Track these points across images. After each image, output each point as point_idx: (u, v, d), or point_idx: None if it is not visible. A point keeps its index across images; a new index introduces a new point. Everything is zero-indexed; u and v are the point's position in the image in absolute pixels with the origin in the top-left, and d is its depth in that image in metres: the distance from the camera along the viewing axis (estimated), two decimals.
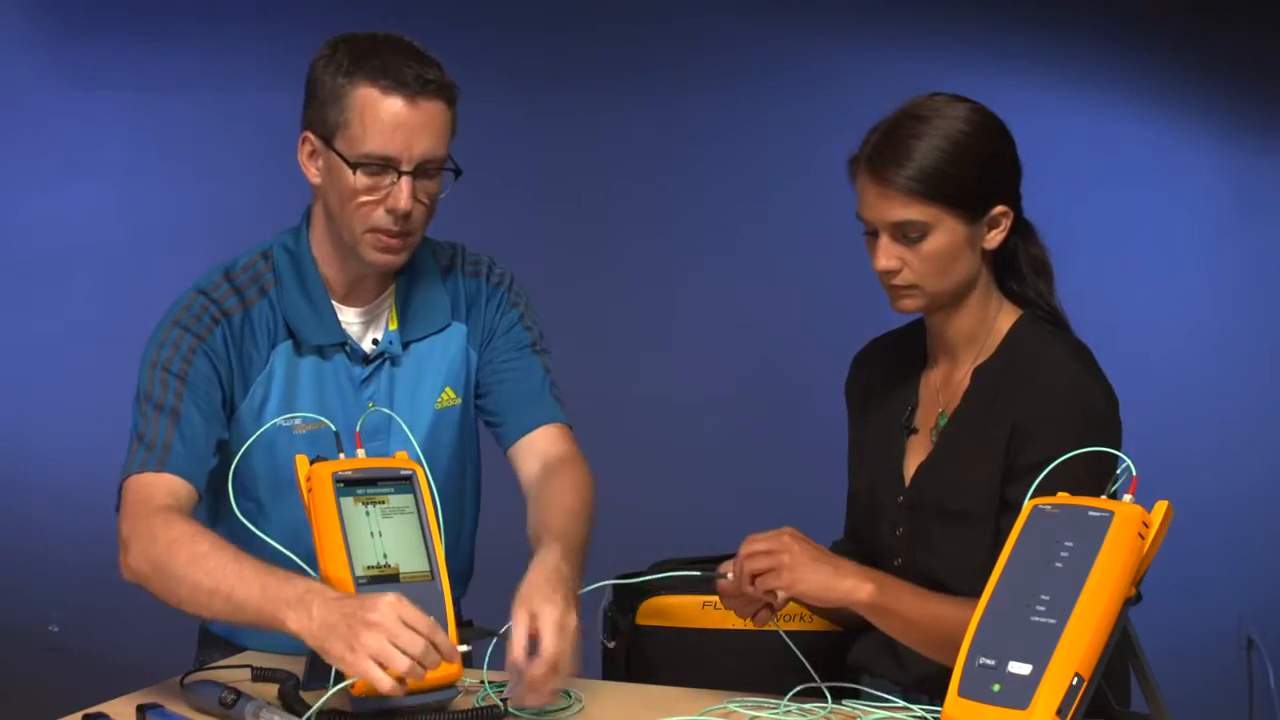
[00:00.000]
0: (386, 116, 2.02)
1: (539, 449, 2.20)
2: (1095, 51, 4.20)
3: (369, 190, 2.04)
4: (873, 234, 2.06)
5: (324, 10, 4.34)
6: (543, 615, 1.84)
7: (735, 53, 4.32)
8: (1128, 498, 1.68)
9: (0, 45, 4.63)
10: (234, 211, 4.35)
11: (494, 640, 1.96)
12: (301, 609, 1.79)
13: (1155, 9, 4.16)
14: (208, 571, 1.87)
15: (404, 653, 1.73)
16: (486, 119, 4.17)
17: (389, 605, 1.75)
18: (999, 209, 2.06)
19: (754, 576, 1.97)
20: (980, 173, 2.04)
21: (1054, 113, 4.09)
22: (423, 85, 2.03)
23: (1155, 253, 4.21)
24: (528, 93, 4.32)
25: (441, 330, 2.21)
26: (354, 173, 2.03)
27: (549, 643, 1.83)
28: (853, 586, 1.96)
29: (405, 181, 2.03)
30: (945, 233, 2.02)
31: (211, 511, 2.15)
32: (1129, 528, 1.63)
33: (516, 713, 1.91)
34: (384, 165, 2.03)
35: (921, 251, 2.03)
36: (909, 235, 2.02)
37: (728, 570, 2.02)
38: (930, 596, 2.00)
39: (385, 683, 1.73)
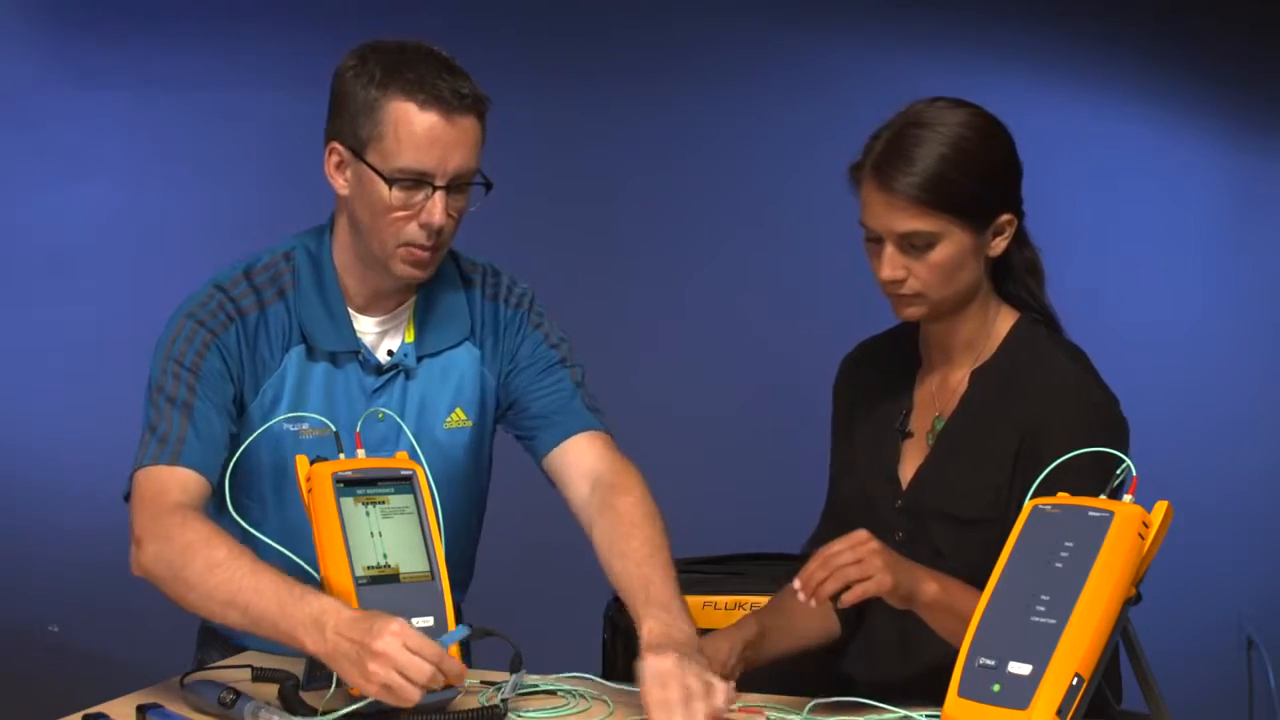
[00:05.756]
0: (422, 131, 2.00)
1: (585, 466, 2.16)
2: (1095, 52, 4.20)
3: (403, 205, 2.02)
4: (875, 241, 2.05)
5: (324, 10, 4.34)
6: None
7: (735, 53, 4.32)
8: (1128, 498, 1.68)
9: None
10: (233, 211, 4.36)
11: (514, 653, 1.95)
12: (316, 630, 1.79)
13: (1156, 9, 4.16)
14: (222, 581, 1.86)
15: (411, 681, 1.75)
16: (485, 119, 4.18)
17: (393, 635, 1.75)
18: (1004, 217, 2.05)
19: (846, 586, 1.92)
20: (986, 181, 2.02)
21: (1054, 112, 4.09)
22: (459, 100, 2.01)
23: (1155, 253, 4.21)
24: (526, 93, 4.31)
25: (456, 346, 2.19)
26: (389, 188, 2.02)
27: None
28: (924, 588, 1.95)
29: (439, 196, 2.02)
30: (952, 243, 2.01)
31: (214, 511, 2.14)
32: (1129, 528, 1.63)
33: (516, 714, 1.92)
34: (418, 180, 2.02)
35: (928, 261, 2.01)
36: (915, 245, 2.01)
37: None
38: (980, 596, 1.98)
39: (400, 704, 1.76)
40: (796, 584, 1.94)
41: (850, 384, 2.28)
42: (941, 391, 2.14)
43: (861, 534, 1.94)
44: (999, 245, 2.06)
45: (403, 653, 1.75)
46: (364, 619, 1.79)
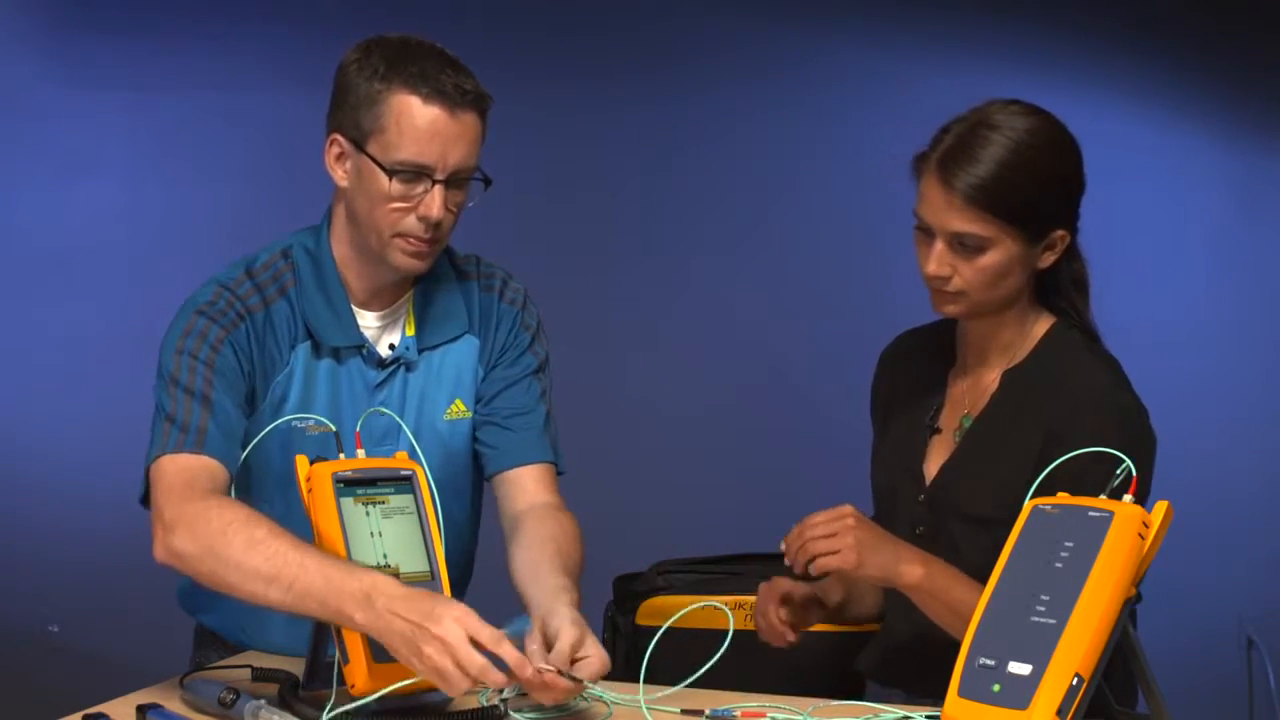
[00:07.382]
0: (424, 125, 2.02)
1: (527, 489, 2.19)
2: (1095, 51, 4.20)
3: (402, 197, 2.04)
4: (925, 231, 2.04)
5: (324, 10, 4.34)
6: (593, 655, 1.88)
7: (735, 53, 4.32)
8: (1128, 498, 1.68)
9: None
10: (233, 211, 4.36)
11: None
12: (368, 605, 1.78)
13: (1156, 9, 4.16)
14: (266, 558, 1.85)
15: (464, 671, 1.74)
16: (487, 116, 4.18)
17: (455, 621, 1.74)
18: (1058, 233, 2.05)
19: (812, 558, 1.96)
20: (1045, 193, 2.02)
21: (1054, 112, 4.08)
22: (462, 96, 2.03)
23: (1154, 253, 4.21)
24: (525, 92, 4.30)
25: (456, 339, 2.21)
26: (389, 179, 2.03)
27: (592, 669, 1.87)
28: (905, 570, 1.96)
29: (438, 190, 2.04)
30: (1002, 250, 2.01)
31: None
32: (1129, 528, 1.63)
33: (517, 715, 1.92)
34: (418, 173, 2.03)
35: (976, 264, 2.01)
36: (966, 245, 2.01)
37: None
38: (974, 586, 1.98)
39: (449, 692, 1.77)
40: (782, 547, 1.99)
41: (888, 377, 2.29)
42: (973, 390, 2.15)
43: (844, 509, 1.97)
44: (1048, 259, 2.06)
45: (463, 643, 1.73)
46: (422, 598, 1.77)
